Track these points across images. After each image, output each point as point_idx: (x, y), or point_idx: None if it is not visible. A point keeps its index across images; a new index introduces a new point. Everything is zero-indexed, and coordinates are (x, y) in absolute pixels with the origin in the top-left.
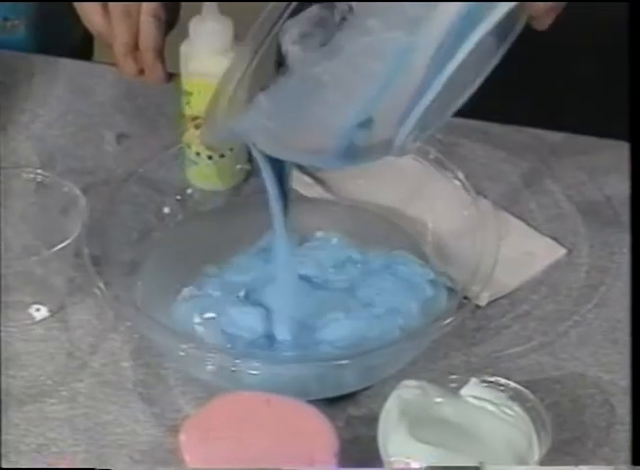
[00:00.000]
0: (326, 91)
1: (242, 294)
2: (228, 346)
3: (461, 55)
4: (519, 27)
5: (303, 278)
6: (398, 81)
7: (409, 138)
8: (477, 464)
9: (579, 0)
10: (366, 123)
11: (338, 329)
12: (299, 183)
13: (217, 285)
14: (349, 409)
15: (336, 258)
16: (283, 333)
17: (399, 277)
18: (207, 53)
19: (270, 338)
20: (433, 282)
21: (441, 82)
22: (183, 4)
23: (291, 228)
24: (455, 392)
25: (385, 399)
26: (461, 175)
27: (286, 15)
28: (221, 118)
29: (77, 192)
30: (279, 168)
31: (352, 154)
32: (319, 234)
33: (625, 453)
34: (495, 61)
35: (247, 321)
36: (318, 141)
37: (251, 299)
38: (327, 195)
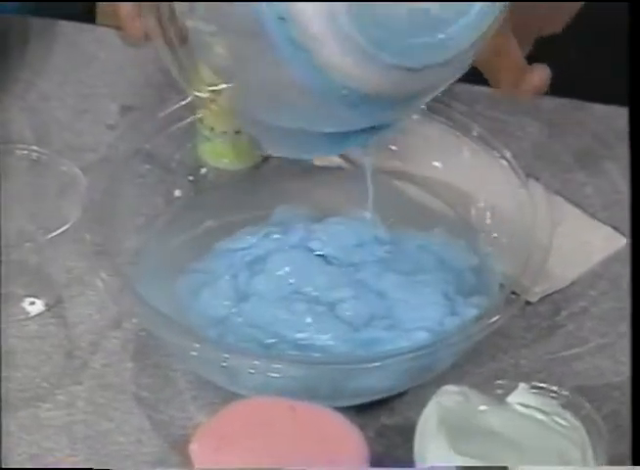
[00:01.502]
0: None
1: (247, 260)
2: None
3: None
4: None
5: (318, 257)
6: None
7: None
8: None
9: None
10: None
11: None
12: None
13: (219, 256)
14: (382, 418)
15: (359, 236)
16: None
17: (436, 258)
18: None
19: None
20: (476, 270)
21: None
22: None
23: None
24: (501, 399)
25: (422, 406)
26: (508, 155)
27: None
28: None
29: (77, 171)
30: None
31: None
32: (348, 210)
33: None
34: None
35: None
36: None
37: (256, 267)
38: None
